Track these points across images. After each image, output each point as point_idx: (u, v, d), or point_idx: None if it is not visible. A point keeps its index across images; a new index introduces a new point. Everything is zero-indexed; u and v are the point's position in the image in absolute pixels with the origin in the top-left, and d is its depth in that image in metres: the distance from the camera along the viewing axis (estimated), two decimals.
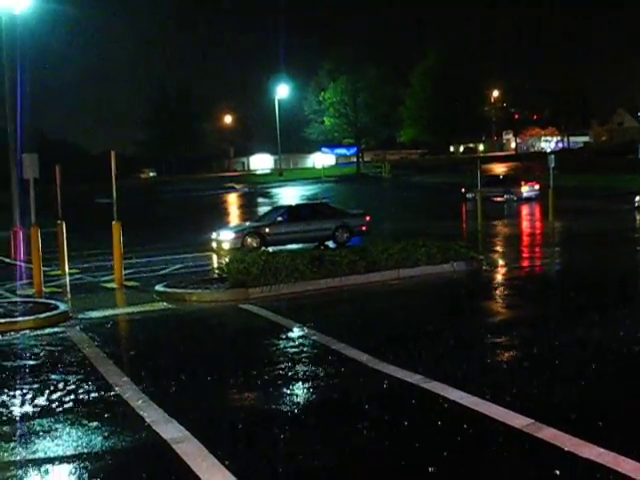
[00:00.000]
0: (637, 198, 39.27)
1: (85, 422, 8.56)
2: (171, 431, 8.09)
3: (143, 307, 16.50)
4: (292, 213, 28.85)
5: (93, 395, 9.65)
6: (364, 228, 28.75)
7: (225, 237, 27.15)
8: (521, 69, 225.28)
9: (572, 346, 11.28)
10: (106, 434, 8.16)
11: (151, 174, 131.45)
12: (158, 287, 18.18)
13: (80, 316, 15.45)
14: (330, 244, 27.71)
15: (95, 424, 8.48)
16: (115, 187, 20.08)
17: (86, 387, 10.01)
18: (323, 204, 33.44)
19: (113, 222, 19.92)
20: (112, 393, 9.68)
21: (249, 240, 26.72)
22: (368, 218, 29.16)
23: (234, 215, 56.29)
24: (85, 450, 7.69)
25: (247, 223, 30.62)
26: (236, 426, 8.33)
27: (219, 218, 50.11)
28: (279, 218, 28.21)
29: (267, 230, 27.33)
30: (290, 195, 72.21)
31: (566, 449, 7.14)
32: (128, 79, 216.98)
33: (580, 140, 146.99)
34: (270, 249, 23.11)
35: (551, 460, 6.98)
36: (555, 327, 12.70)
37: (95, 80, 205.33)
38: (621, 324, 12.72)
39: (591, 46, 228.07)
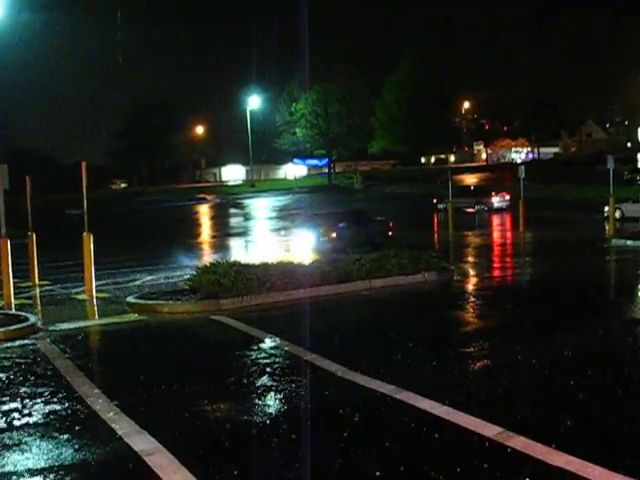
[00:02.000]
0: (606, 208, 39.62)
1: (56, 435, 8.51)
2: (142, 443, 8.06)
3: (114, 319, 16.41)
4: (351, 219, 32.35)
5: (64, 407, 9.58)
6: (390, 233, 31.93)
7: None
8: (492, 80, 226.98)
9: (541, 356, 11.37)
10: (77, 446, 8.11)
11: (122, 185, 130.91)
12: (129, 298, 18.10)
13: (51, 328, 15.34)
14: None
15: (66, 437, 8.44)
16: (86, 198, 19.99)
17: (57, 399, 9.94)
18: (360, 211, 37.62)
19: (84, 233, 19.84)
20: (83, 405, 9.62)
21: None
22: (391, 224, 32.53)
23: (206, 226, 56.18)
24: (56, 463, 7.65)
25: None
26: (208, 438, 8.32)
27: (191, 229, 50.02)
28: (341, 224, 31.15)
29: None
30: (262, 206, 72.23)
31: (536, 457, 7.20)
32: (101, 89, 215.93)
33: (550, 151, 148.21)
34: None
35: (521, 468, 7.04)
36: (525, 337, 12.81)
37: (67, 90, 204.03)
38: (589, 334, 12.87)
39: (561, 58, 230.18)
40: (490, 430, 7.98)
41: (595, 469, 6.86)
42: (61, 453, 7.93)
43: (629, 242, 29.92)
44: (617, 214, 39.51)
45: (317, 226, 31.54)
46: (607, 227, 36.34)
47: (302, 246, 28.89)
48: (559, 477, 6.79)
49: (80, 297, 19.68)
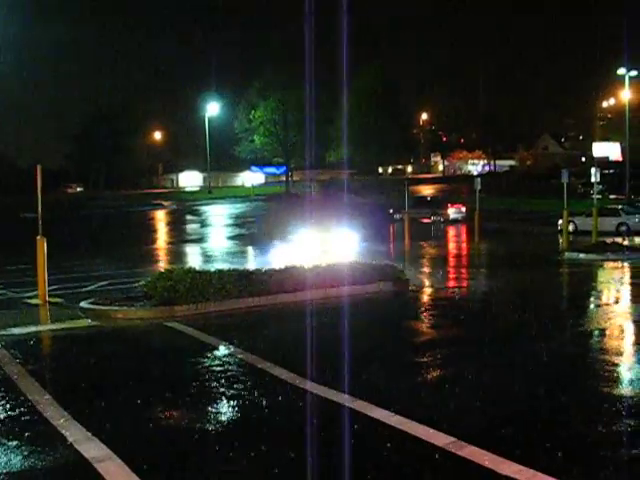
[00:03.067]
0: (560, 222, 40.18)
1: (4, 441, 8.39)
2: (93, 450, 7.98)
3: (67, 324, 16.21)
4: None
5: (13, 413, 9.45)
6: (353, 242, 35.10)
7: None
8: (451, 93, 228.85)
9: (493, 366, 11.48)
10: (26, 453, 8.00)
11: (78, 189, 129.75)
12: (83, 303, 17.91)
13: (2, 332, 15.11)
14: None
15: (15, 443, 8.31)
16: (40, 201, 19.77)
17: (6, 405, 9.81)
18: None
19: (37, 237, 19.61)
20: (33, 411, 9.50)
21: None
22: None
23: (162, 232, 55.87)
24: (3, 470, 7.53)
25: None
26: (160, 445, 8.26)
27: (146, 234, 49.71)
28: None
29: None
30: (219, 213, 72.00)
31: (487, 466, 7.26)
32: (57, 92, 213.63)
33: (506, 164, 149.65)
34: None
35: (472, 477, 7.09)
36: (478, 348, 12.90)
37: (23, 92, 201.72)
38: (541, 346, 13.00)
39: (519, 72, 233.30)
40: (442, 440, 8.02)
41: (545, 479, 6.93)
42: (9, 460, 7.81)
43: (582, 255, 30.36)
44: (571, 227, 40.16)
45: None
46: (561, 240, 36.82)
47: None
48: None
49: (33, 302, 19.43)
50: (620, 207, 46.35)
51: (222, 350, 13.09)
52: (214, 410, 9.49)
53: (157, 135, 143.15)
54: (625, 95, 73.37)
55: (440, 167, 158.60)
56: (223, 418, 9.23)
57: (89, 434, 8.47)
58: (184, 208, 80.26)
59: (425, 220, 53.51)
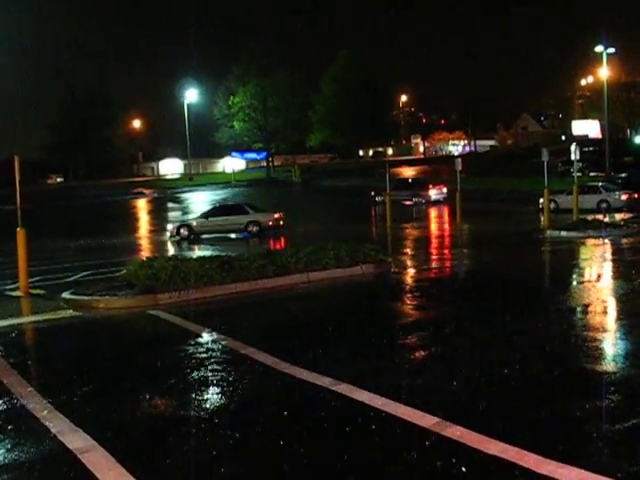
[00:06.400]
0: (541, 200, 40.28)
1: None
2: (77, 441, 7.92)
3: (49, 315, 16.12)
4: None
5: None
6: (270, 223, 36.97)
7: None
8: (430, 74, 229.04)
9: (477, 346, 11.48)
10: (9, 446, 7.94)
11: (58, 179, 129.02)
12: (65, 294, 17.81)
13: None
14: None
15: None
16: (19, 193, 19.64)
17: None
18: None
19: (17, 229, 19.48)
20: (16, 404, 9.43)
21: None
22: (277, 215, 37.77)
23: (144, 221, 55.67)
24: None
25: None
26: (144, 434, 8.22)
27: (128, 224, 49.51)
28: None
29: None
30: (200, 200, 71.80)
31: (472, 446, 7.25)
32: (33, 81, 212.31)
33: (487, 144, 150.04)
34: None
35: (457, 457, 7.07)
36: (461, 328, 12.90)
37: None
38: (524, 324, 13.04)
39: (498, 51, 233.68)
40: (427, 420, 8.02)
41: (530, 456, 6.93)
42: None
43: (563, 233, 30.46)
44: (552, 206, 40.25)
45: None
46: (542, 218, 36.93)
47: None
48: (495, 465, 6.85)
49: (14, 294, 19.32)
50: (600, 184, 46.53)
51: (205, 337, 13.04)
52: (199, 397, 9.44)
53: (136, 123, 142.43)
54: (603, 72, 73.62)
55: (421, 148, 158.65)
56: (207, 405, 9.18)
57: (73, 425, 8.41)
58: (165, 196, 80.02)
59: (407, 202, 53.53)
